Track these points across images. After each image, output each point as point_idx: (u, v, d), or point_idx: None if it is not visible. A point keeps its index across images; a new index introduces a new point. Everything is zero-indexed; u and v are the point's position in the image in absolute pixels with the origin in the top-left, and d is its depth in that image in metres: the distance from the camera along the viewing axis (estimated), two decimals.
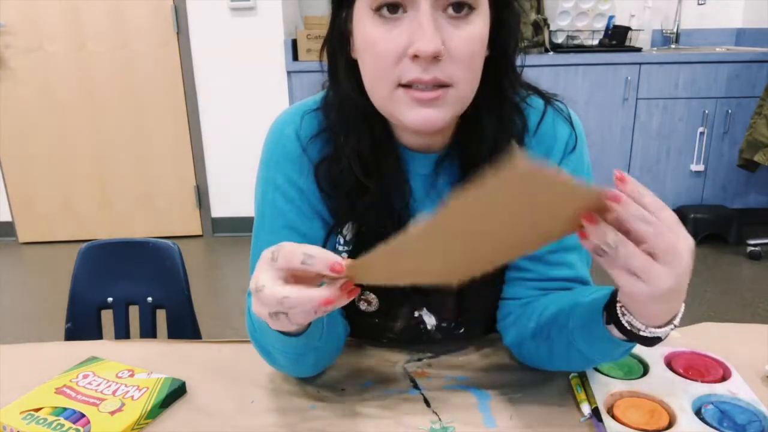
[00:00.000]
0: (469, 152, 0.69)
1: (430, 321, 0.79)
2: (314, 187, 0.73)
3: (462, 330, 0.81)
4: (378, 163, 0.68)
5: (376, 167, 0.68)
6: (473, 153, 0.69)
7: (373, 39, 0.59)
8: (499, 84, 0.67)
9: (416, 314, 0.79)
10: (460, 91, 0.61)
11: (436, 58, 0.57)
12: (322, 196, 0.73)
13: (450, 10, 0.58)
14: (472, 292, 0.72)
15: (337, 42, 0.67)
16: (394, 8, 0.59)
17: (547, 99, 0.74)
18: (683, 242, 0.47)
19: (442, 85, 0.60)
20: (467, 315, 0.80)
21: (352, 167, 0.67)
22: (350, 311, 0.79)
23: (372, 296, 0.76)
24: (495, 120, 0.68)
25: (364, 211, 0.70)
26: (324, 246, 0.70)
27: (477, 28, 0.60)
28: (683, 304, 0.54)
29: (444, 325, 0.80)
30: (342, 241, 0.74)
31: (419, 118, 0.61)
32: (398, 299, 0.76)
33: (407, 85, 0.60)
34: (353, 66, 0.66)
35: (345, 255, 0.73)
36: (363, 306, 0.77)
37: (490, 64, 0.65)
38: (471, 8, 0.59)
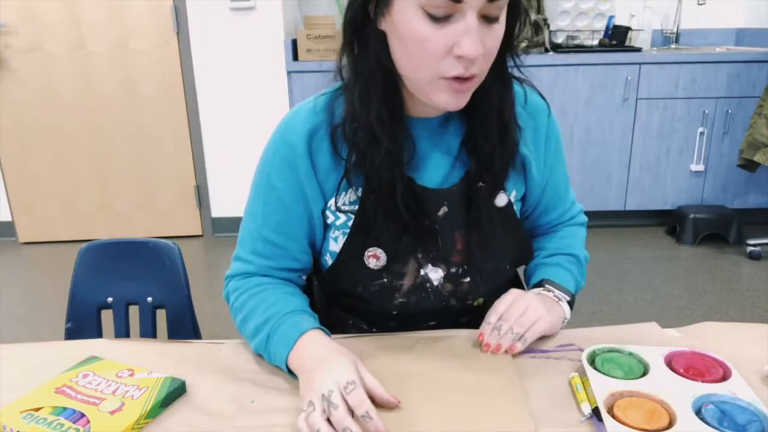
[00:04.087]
0: (475, 111, 0.80)
1: (436, 276, 0.84)
2: (310, 169, 0.81)
3: (468, 279, 0.85)
4: (390, 126, 0.78)
5: (389, 128, 0.78)
6: (478, 111, 0.80)
7: (423, 35, 0.67)
8: (503, 55, 0.76)
9: (422, 272, 0.83)
10: (482, 77, 0.73)
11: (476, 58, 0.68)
12: (335, 160, 0.80)
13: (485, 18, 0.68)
14: (477, 237, 0.84)
15: (365, 16, 0.73)
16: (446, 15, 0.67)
17: (521, 80, 0.85)
18: (537, 318, 0.80)
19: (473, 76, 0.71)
20: (473, 259, 0.85)
21: (375, 129, 0.76)
22: (360, 273, 0.83)
23: (379, 251, 0.81)
24: (499, 83, 0.79)
25: (376, 164, 0.78)
26: (322, 215, 0.84)
27: (501, 25, 0.70)
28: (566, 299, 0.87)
29: (453, 271, 0.84)
30: (338, 208, 0.82)
31: (452, 102, 0.72)
32: (404, 254, 0.83)
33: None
34: (382, 36, 0.73)
35: (350, 215, 0.82)
36: (372, 263, 0.82)
37: None
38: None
